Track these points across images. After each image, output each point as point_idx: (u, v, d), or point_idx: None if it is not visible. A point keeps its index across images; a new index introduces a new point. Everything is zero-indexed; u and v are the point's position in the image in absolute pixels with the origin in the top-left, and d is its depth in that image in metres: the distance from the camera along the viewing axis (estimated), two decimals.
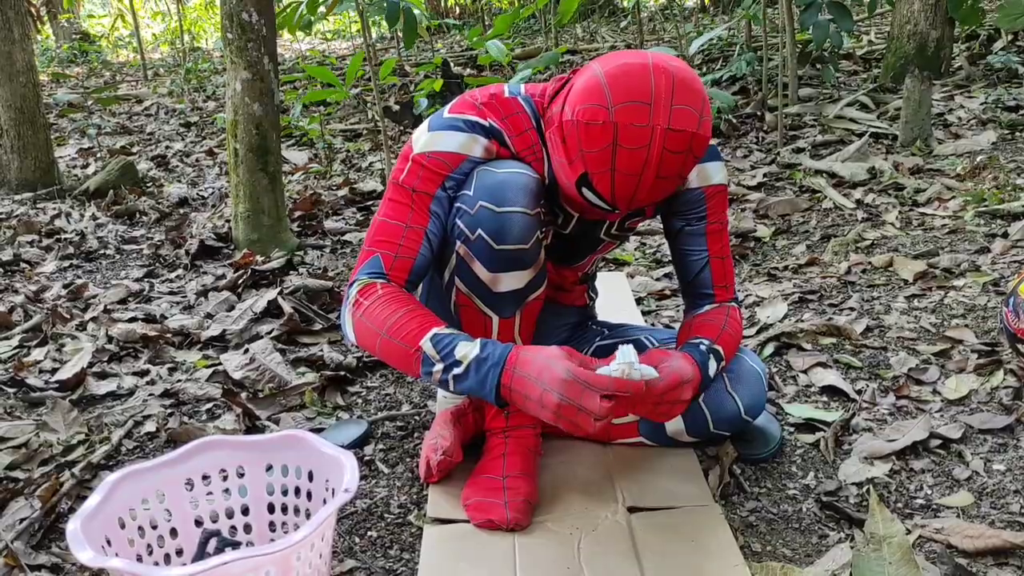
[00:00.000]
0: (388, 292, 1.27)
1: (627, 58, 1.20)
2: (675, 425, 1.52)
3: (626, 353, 1.19)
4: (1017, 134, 3.51)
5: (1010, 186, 2.91)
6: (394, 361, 1.25)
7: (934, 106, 3.76)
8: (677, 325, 2.24)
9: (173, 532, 1.23)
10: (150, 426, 1.87)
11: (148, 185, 4.08)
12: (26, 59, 3.85)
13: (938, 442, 1.60)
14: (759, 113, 4.28)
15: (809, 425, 1.72)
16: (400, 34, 7.12)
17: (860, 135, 3.76)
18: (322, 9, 3.31)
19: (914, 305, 2.21)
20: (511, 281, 1.31)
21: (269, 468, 1.27)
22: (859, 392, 1.82)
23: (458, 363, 1.19)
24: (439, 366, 1.20)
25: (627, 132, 1.16)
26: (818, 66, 5.00)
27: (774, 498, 1.52)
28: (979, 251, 2.50)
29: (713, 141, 3.71)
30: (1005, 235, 2.56)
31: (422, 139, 1.33)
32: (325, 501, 1.22)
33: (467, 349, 1.19)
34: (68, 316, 2.46)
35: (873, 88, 4.58)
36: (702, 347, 1.38)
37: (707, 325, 1.44)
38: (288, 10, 3.40)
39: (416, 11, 3.67)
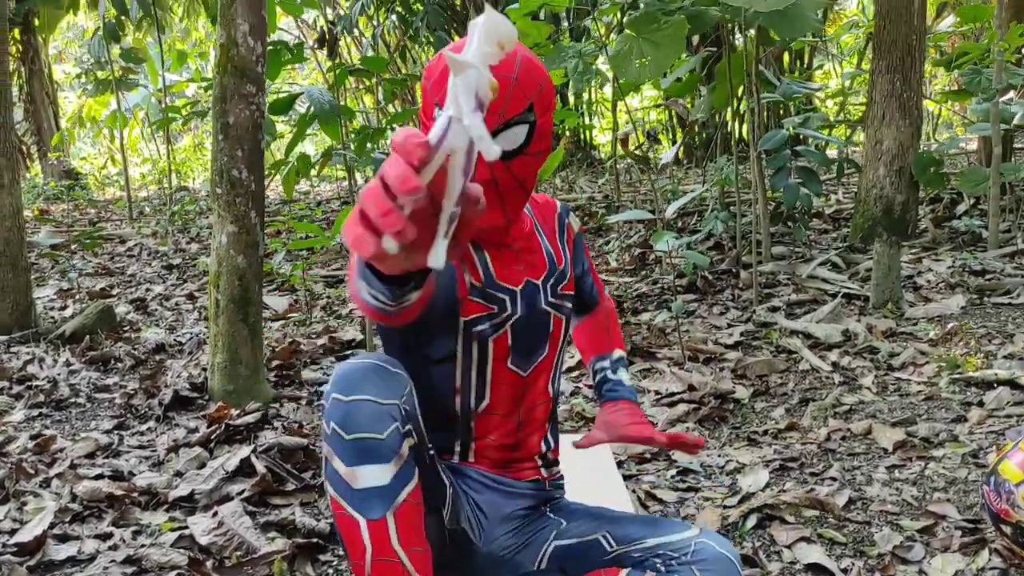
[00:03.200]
0: None
1: None
2: None
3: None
4: (985, 299, 3.60)
5: (982, 353, 2.96)
6: (352, 282, 1.06)
7: (903, 268, 3.87)
8: (659, 492, 2.21)
9: None
10: None
11: (125, 329, 4.06)
12: (13, 204, 3.90)
13: None
14: (734, 270, 4.38)
15: None
16: None
17: (833, 295, 3.84)
18: (314, 171, 3.40)
19: (895, 476, 2.20)
20: (371, 475, 1.22)
21: None
22: (845, 571, 1.78)
23: None
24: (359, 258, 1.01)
25: (456, 49, 1.23)
26: (789, 224, 5.17)
27: None
28: (956, 420, 2.51)
29: (689, 297, 3.72)
30: (981, 404, 2.58)
31: None
32: None
33: None
34: (32, 471, 2.38)
35: (843, 248, 4.71)
36: (609, 373, 1.68)
37: (594, 334, 1.73)
38: (280, 166, 3.49)
39: None
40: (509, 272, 1.46)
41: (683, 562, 1.43)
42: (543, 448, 1.56)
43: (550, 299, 1.51)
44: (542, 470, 1.56)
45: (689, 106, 7.19)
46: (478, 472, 1.51)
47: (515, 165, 1.36)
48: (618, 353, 1.72)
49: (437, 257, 0.73)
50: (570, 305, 1.56)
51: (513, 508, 1.51)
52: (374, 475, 1.22)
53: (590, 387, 2.82)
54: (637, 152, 5.02)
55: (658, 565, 1.45)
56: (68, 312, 4.38)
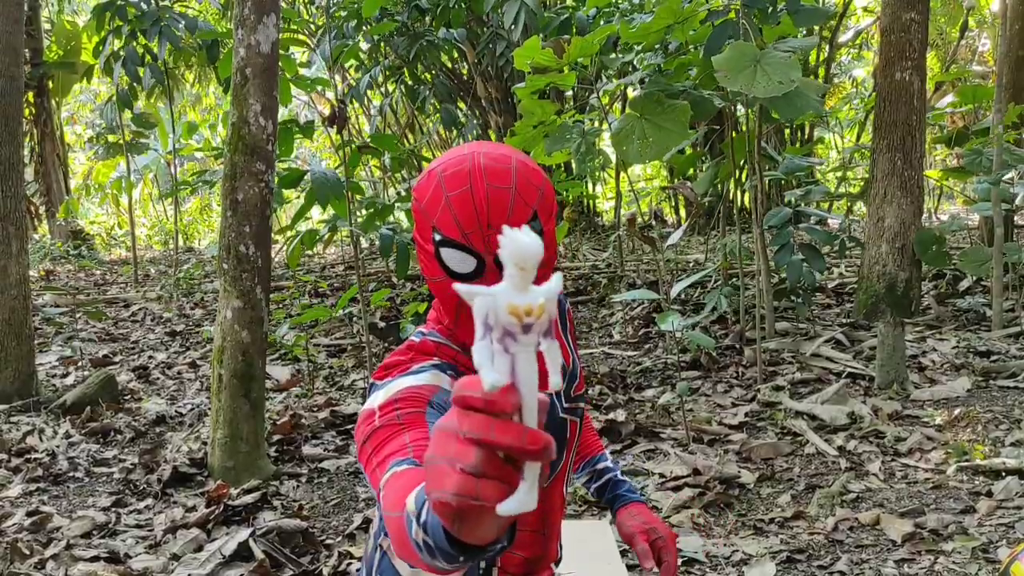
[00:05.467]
0: (409, 471, 1.02)
1: None
2: None
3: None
4: (991, 381, 3.58)
5: (989, 439, 2.93)
6: (397, 542, 0.93)
7: (908, 347, 3.86)
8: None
9: None
10: None
11: (127, 398, 4.04)
12: (20, 272, 3.92)
13: None
14: (737, 346, 4.37)
15: None
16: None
17: (838, 374, 3.83)
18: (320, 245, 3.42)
19: (904, 571, 2.16)
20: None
21: None
22: None
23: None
24: (415, 524, 0.87)
25: (447, 166, 1.20)
26: (793, 298, 5.18)
27: None
28: (964, 510, 2.47)
29: (693, 374, 3.66)
30: (989, 494, 2.55)
31: (379, 395, 1.20)
32: None
33: None
34: (28, 552, 2.35)
35: (847, 324, 4.71)
36: (618, 474, 1.60)
37: (585, 434, 1.63)
38: (286, 233, 3.51)
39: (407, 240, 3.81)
40: None
41: None
42: (560, 553, 1.55)
43: (565, 406, 1.43)
44: (554, 570, 1.54)
45: (691, 175, 7.26)
46: None
47: None
48: (608, 455, 1.68)
49: (532, 500, 0.67)
50: (583, 406, 1.48)
51: None
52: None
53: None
54: (643, 232, 5.06)
55: None
56: (70, 380, 4.37)
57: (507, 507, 0.66)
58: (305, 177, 3.69)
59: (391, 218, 4.03)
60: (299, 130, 3.56)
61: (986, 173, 4.80)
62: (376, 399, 1.21)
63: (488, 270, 1.21)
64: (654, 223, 7.30)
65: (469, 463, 0.66)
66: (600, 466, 1.63)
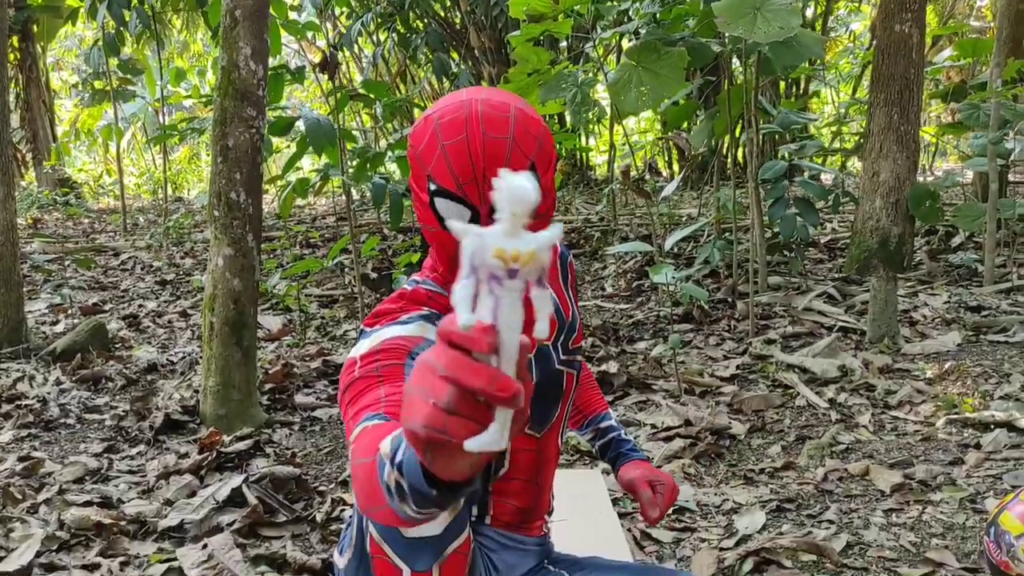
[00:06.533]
0: (381, 426, 1.03)
1: None
2: None
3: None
4: (982, 336, 3.59)
5: (979, 393, 2.95)
6: (365, 488, 0.93)
7: (899, 302, 3.86)
8: (655, 532, 2.18)
9: None
10: None
11: (117, 346, 4.02)
12: (7, 219, 3.87)
13: None
14: (730, 300, 4.37)
15: None
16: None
17: (829, 328, 3.84)
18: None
19: (893, 520, 2.18)
20: (424, 525, 1.14)
21: None
22: None
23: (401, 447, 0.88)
24: (388, 466, 0.86)
25: (444, 112, 1.18)
26: (786, 253, 5.16)
27: None
28: (953, 462, 2.50)
29: (685, 327, 3.65)
30: (978, 446, 2.57)
31: (364, 344, 1.20)
32: None
33: None
34: (20, 496, 2.35)
35: (839, 279, 4.72)
36: (621, 433, 1.66)
37: (587, 391, 1.69)
38: (279, 186, 3.48)
39: (401, 190, 3.78)
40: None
41: None
42: (551, 504, 1.55)
43: (562, 358, 1.42)
44: (547, 522, 1.55)
45: (686, 130, 7.21)
46: (494, 531, 1.48)
47: None
48: (612, 413, 1.70)
49: (500, 441, 0.67)
50: (579, 359, 1.47)
51: (525, 568, 1.48)
52: (429, 524, 1.15)
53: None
54: (637, 184, 5.02)
55: None
56: (60, 327, 4.35)
57: (473, 444, 0.66)
58: (296, 125, 3.64)
59: (383, 168, 3.98)
60: (289, 75, 3.50)
61: (983, 128, 4.78)
62: (360, 348, 1.21)
63: (483, 222, 1.18)
64: (648, 175, 7.24)
65: (441, 399, 0.67)
66: (603, 424, 1.68)
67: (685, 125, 8.13)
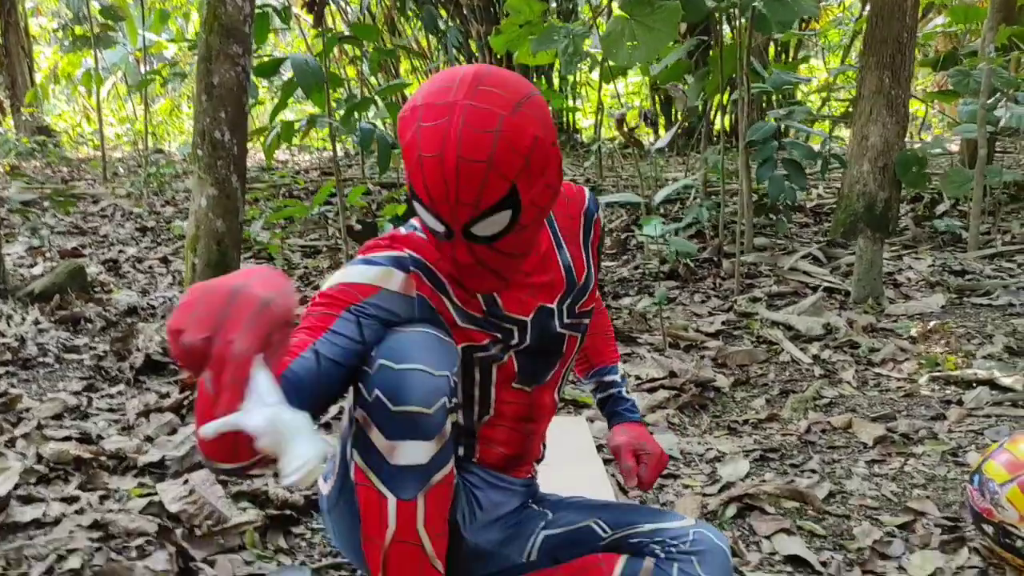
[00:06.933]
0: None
1: None
2: None
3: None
4: (965, 299, 3.61)
5: (962, 352, 2.97)
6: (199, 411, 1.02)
7: (884, 265, 3.87)
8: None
9: None
10: (74, 561, 1.73)
11: (96, 290, 3.96)
12: None
13: None
14: (716, 259, 4.37)
15: None
16: (367, 155, 7.21)
17: (814, 288, 3.84)
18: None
19: (875, 471, 2.19)
20: (410, 452, 1.15)
21: None
22: (824, 564, 1.77)
23: None
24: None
25: (428, 110, 1.08)
26: (771, 216, 5.16)
27: None
28: (935, 417, 2.51)
29: (671, 284, 3.64)
30: (960, 403, 2.59)
31: (333, 278, 1.25)
32: None
33: None
34: None
35: (824, 242, 4.72)
36: (623, 392, 1.64)
37: (598, 340, 1.64)
38: (265, 132, 3.42)
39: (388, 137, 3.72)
40: (518, 302, 1.33)
41: (683, 551, 1.41)
42: (542, 452, 1.54)
43: (566, 321, 1.39)
44: (535, 466, 1.54)
45: (685, 88, 7.15)
46: (481, 469, 1.47)
47: (503, 244, 1.18)
48: (620, 367, 1.66)
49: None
50: (587, 321, 1.43)
51: (510, 507, 1.47)
52: (415, 453, 1.15)
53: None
54: (631, 134, 4.97)
55: (657, 551, 1.43)
56: (38, 270, 4.28)
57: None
58: (282, 67, 3.57)
59: (369, 115, 3.92)
60: (276, 13, 3.42)
61: (973, 95, 4.77)
62: (328, 282, 1.24)
63: (456, 239, 1.14)
64: (644, 124, 7.15)
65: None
66: (608, 378, 1.64)
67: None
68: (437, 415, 1.16)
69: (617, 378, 1.63)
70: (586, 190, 1.45)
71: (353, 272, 1.24)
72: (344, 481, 1.32)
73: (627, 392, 1.63)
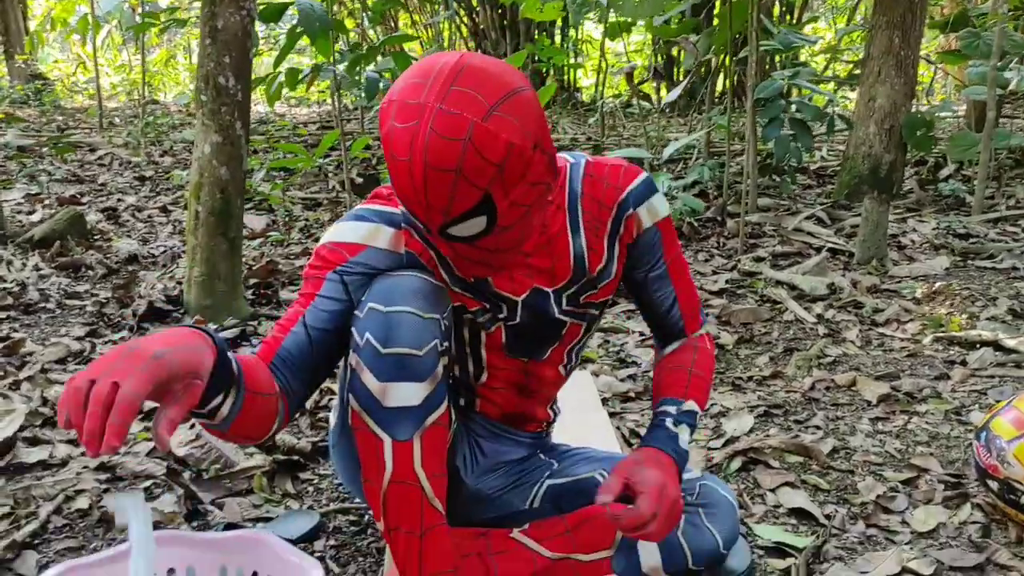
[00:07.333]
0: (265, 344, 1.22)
1: None
2: (651, 561, 1.44)
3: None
4: (969, 262, 3.61)
5: (966, 313, 2.97)
6: None
7: (888, 226, 3.86)
8: (643, 431, 2.19)
9: None
10: (82, 502, 1.74)
11: (96, 238, 3.94)
12: None
13: None
14: (719, 218, 4.35)
15: (779, 549, 1.67)
16: (367, 108, 7.14)
17: (818, 249, 3.84)
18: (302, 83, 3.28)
19: (879, 428, 2.20)
20: (403, 394, 1.16)
21: (223, 571, 1.16)
22: (828, 517, 1.78)
23: None
24: None
25: (400, 109, 1.03)
26: (775, 177, 5.14)
27: None
28: (939, 377, 2.52)
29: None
30: (964, 363, 2.60)
31: (329, 231, 1.27)
32: None
33: None
34: (1, 373, 2.31)
35: (828, 204, 4.70)
36: (668, 421, 1.34)
37: (674, 374, 1.41)
38: (267, 80, 3.37)
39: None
40: (510, 280, 1.30)
41: (690, 503, 1.42)
42: (551, 415, 1.53)
43: (565, 308, 1.35)
44: (544, 426, 1.53)
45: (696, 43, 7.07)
46: (483, 418, 1.47)
47: (485, 243, 1.14)
48: (690, 404, 1.38)
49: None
50: (597, 312, 1.38)
51: (514, 456, 1.47)
52: (407, 394, 1.16)
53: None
54: (639, 88, 4.89)
55: None
56: (36, 217, 4.25)
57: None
58: (287, 12, 3.51)
59: (375, 65, 3.86)
60: None
61: (982, 57, 4.72)
62: (323, 239, 1.26)
63: (435, 237, 1.12)
64: (652, 78, 7.04)
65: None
66: (661, 408, 1.39)
67: (676, 49, 7.97)
68: (428, 357, 1.16)
69: (671, 409, 1.37)
70: (638, 179, 1.33)
71: (342, 229, 1.25)
72: (343, 424, 1.32)
73: (675, 425, 1.35)
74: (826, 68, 8.24)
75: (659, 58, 8.97)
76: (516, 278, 1.30)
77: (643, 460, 1.28)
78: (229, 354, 1.04)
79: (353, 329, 1.18)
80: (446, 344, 1.21)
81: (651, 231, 1.34)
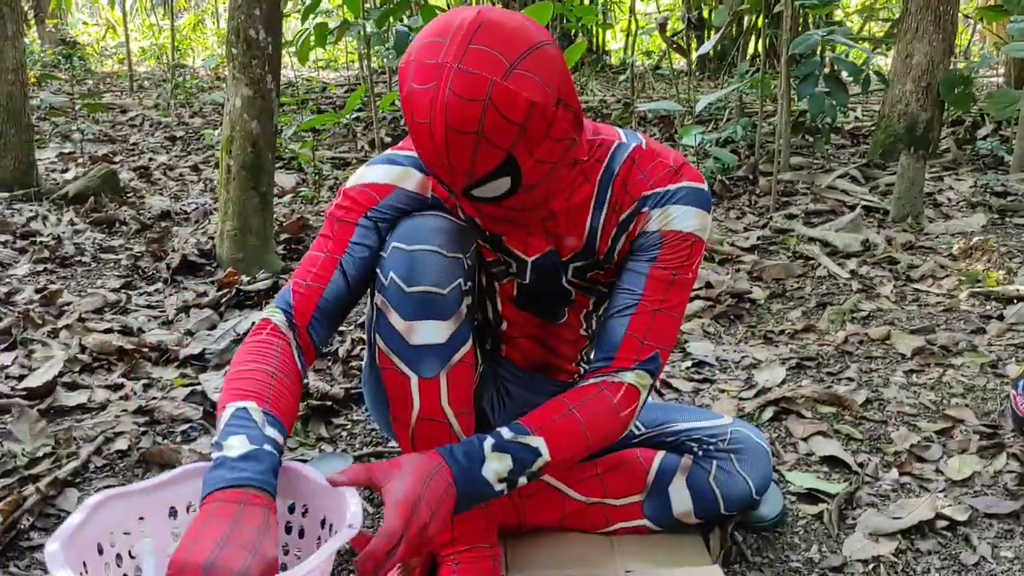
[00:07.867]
0: (265, 340, 1.16)
1: None
2: (682, 507, 1.44)
3: None
4: (1007, 219, 3.55)
5: (1004, 269, 2.92)
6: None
7: (924, 185, 3.80)
8: (674, 382, 2.19)
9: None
10: (121, 444, 1.77)
11: (129, 195, 3.97)
12: (17, 57, 3.76)
13: (944, 523, 1.56)
14: (751, 176, 4.30)
15: (811, 495, 1.67)
16: (395, 71, 7.10)
17: (852, 207, 3.78)
18: (331, 38, 3.27)
19: (913, 380, 2.18)
20: (428, 332, 1.16)
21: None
22: (861, 465, 1.77)
23: (219, 446, 1.02)
24: (214, 444, 1.05)
25: (419, 70, 1.00)
26: (808, 137, 5.06)
27: (777, 570, 1.46)
28: (975, 331, 2.49)
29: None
30: (1000, 318, 2.56)
31: (354, 176, 1.26)
32: (320, 540, 1.14)
33: (236, 442, 1.02)
34: (40, 321, 2.35)
35: (862, 163, 4.63)
36: (487, 441, 1.15)
37: (550, 405, 1.22)
38: (295, 36, 3.35)
39: None
40: (522, 240, 1.29)
41: (721, 448, 1.42)
42: (581, 369, 1.53)
43: (571, 278, 1.34)
44: (575, 378, 1.53)
45: (710, 5, 6.95)
46: (510, 364, 1.48)
47: (511, 203, 1.11)
48: (534, 441, 1.17)
49: None
50: (605, 290, 1.36)
51: (540, 401, 1.48)
52: (432, 332, 1.17)
53: None
54: (673, 39, 4.80)
55: (695, 449, 1.44)
56: (70, 175, 4.29)
57: None
58: None
59: (405, 19, 3.83)
60: None
61: None
62: (350, 180, 1.26)
63: (460, 198, 1.12)
64: (689, 30, 6.90)
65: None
66: (498, 428, 1.20)
67: (708, 6, 7.85)
68: (451, 295, 1.17)
69: (506, 433, 1.17)
70: (675, 184, 1.23)
71: (373, 171, 1.25)
72: (372, 365, 1.34)
73: (493, 448, 1.15)
74: (861, 28, 8.08)
75: (692, 10, 8.83)
76: (528, 239, 1.29)
77: (413, 469, 1.08)
78: (279, 463, 1.06)
79: (378, 270, 1.20)
80: (470, 284, 1.21)
81: (653, 235, 1.23)
